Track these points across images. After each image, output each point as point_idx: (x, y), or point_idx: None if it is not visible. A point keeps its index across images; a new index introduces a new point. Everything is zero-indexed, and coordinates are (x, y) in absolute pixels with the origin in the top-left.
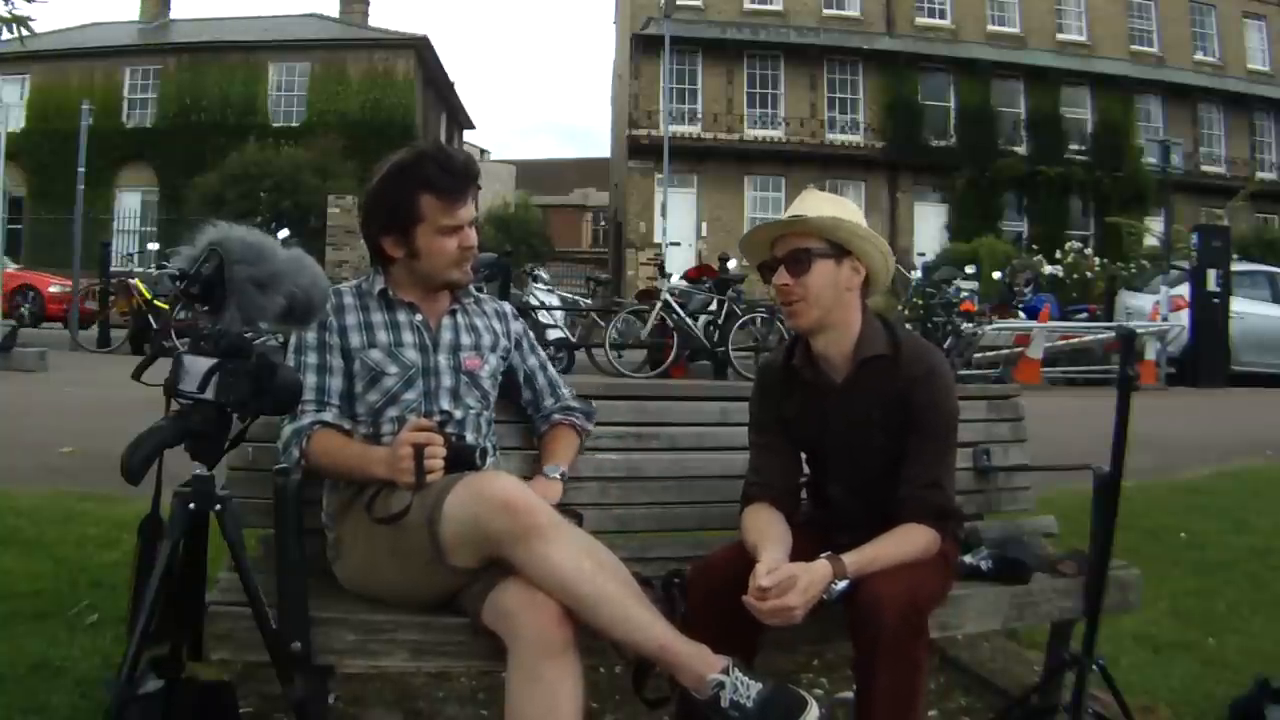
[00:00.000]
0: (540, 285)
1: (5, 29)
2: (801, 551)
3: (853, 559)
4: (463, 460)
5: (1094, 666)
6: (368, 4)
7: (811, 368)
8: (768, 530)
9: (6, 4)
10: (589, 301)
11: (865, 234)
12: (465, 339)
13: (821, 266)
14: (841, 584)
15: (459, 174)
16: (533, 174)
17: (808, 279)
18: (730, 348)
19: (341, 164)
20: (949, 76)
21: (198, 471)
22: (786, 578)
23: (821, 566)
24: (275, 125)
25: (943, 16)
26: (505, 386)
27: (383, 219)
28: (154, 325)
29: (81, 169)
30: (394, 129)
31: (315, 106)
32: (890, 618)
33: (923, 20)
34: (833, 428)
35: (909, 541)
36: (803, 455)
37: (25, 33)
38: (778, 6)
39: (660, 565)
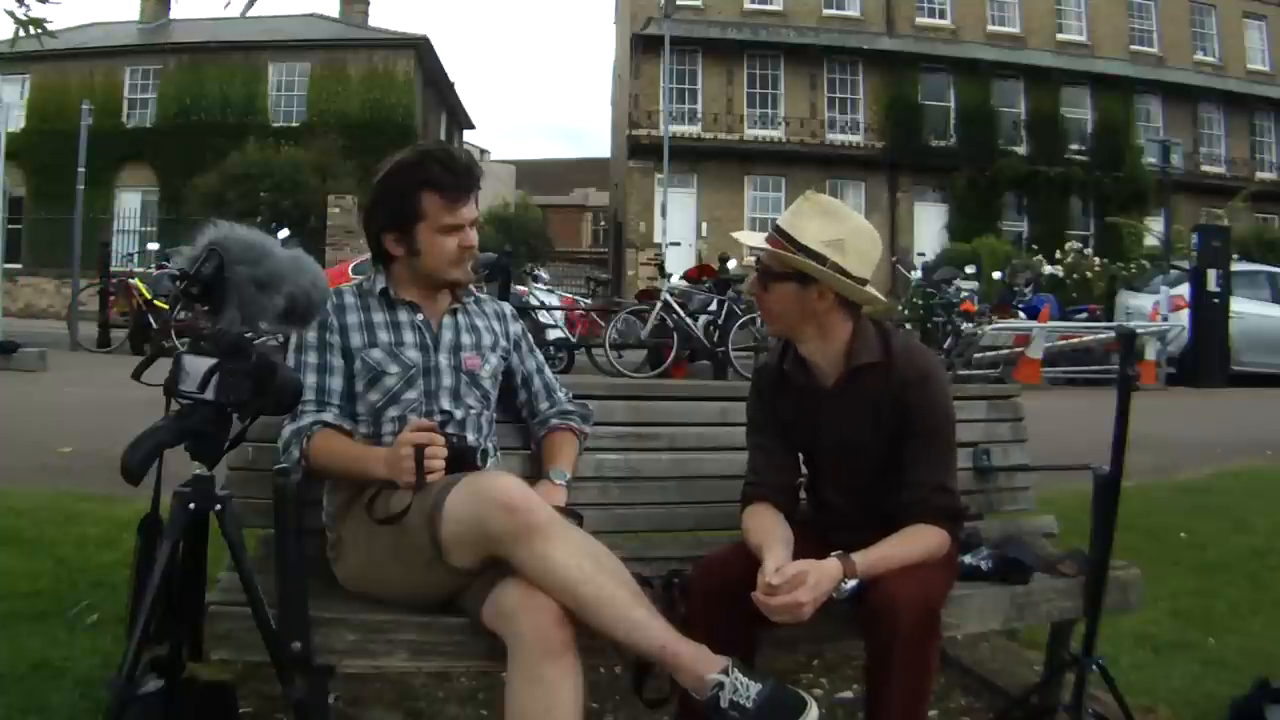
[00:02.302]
0: (540, 285)
1: (22, 30)
2: (802, 552)
3: (862, 558)
4: (463, 461)
5: (1094, 666)
6: (368, 4)
7: (802, 372)
8: (771, 530)
9: (21, 5)
10: (589, 301)
11: (822, 271)
12: (466, 339)
13: (779, 288)
14: (851, 583)
15: (461, 173)
16: (533, 174)
17: (767, 296)
18: (730, 348)
19: (341, 164)
20: (949, 76)
21: (198, 471)
22: (796, 574)
23: (832, 564)
24: (275, 125)
25: (943, 16)
26: (501, 389)
27: (385, 216)
28: (154, 325)
29: (81, 169)
30: (394, 129)
31: (315, 106)
32: (906, 619)
33: (923, 20)
34: (825, 431)
35: (919, 542)
36: (800, 456)
37: (41, 32)
38: (778, 6)
39: (660, 565)
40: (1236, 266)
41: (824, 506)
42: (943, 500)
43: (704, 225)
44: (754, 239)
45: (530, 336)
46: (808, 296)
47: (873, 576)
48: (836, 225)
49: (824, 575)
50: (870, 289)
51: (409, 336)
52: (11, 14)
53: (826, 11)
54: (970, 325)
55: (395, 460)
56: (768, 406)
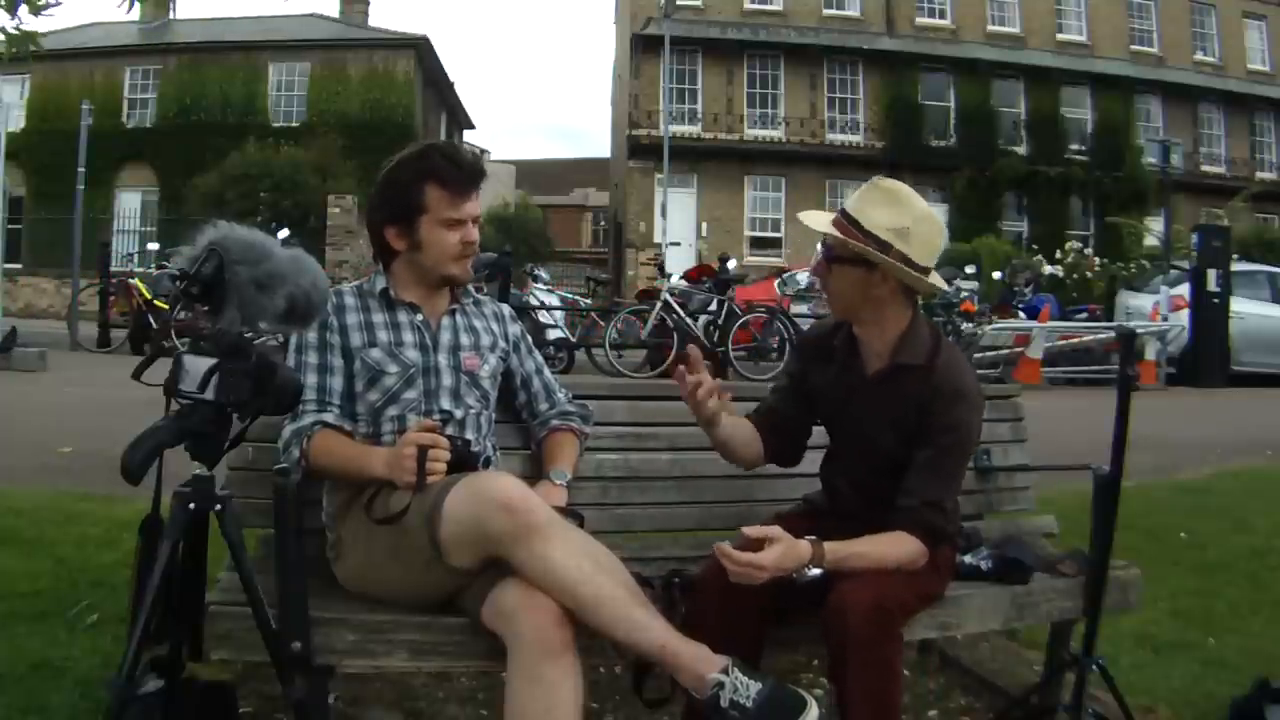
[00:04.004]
0: (540, 285)
1: (14, 46)
2: (798, 534)
3: (834, 548)
4: (465, 467)
5: (1094, 666)
6: (368, 4)
7: (849, 351)
8: (737, 423)
9: (13, 17)
10: (589, 301)
11: (884, 259)
12: (465, 339)
13: (842, 271)
14: (814, 571)
15: (466, 168)
16: (533, 174)
17: (831, 278)
18: (730, 348)
19: (341, 164)
20: (949, 76)
21: (198, 471)
22: (772, 534)
23: (803, 545)
24: (275, 125)
25: (943, 16)
26: (501, 390)
27: (388, 209)
28: (154, 325)
29: (81, 169)
30: (394, 129)
31: (315, 106)
32: (855, 622)
33: (923, 20)
34: (852, 414)
35: (896, 548)
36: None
37: (33, 47)
38: (778, 6)
39: (660, 565)
40: (1236, 266)
41: (835, 495)
42: (930, 517)
43: (704, 225)
44: (820, 221)
45: (529, 338)
46: (870, 281)
47: (838, 573)
48: (902, 213)
49: (792, 550)
50: (934, 278)
51: (408, 336)
52: (2, 29)
53: (826, 11)
54: (970, 325)
55: (397, 460)
56: (800, 364)
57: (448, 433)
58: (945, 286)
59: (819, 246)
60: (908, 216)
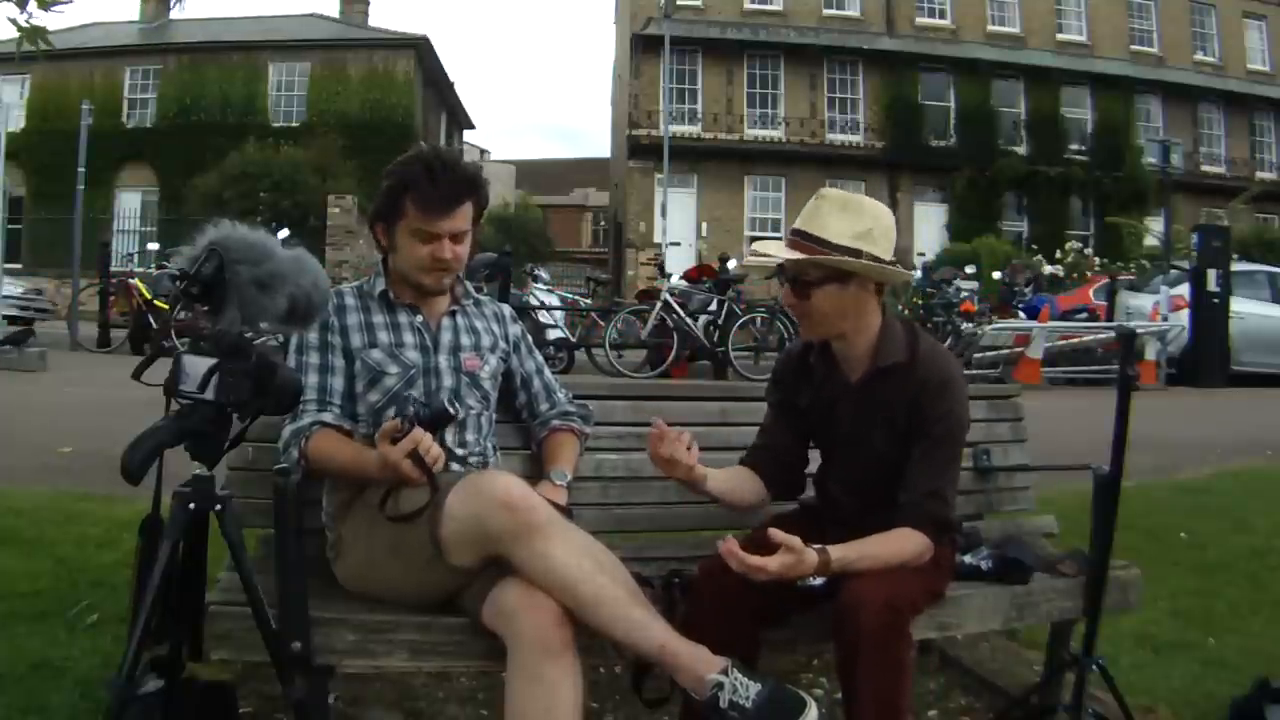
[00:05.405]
0: (540, 285)
1: (26, 41)
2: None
3: (839, 552)
4: (440, 421)
5: (1094, 666)
6: (368, 4)
7: (827, 365)
8: (730, 474)
9: (23, 11)
10: (589, 301)
11: (863, 264)
12: (465, 340)
13: (822, 292)
14: (817, 580)
15: (443, 186)
16: (533, 174)
17: (812, 303)
18: (730, 348)
19: (341, 164)
20: (949, 76)
21: (198, 471)
22: (791, 543)
23: (811, 556)
24: (275, 125)
25: (943, 16)
26: (501, 390)
27: (376, 205)
28: (154, 325)
29: (81, 169)
30: (394, 129)
31: (315, 106)
32: (868, 620)
33: (923, 20)
34: (840, 425)
35: (901, 545)
36: (810, 446)
37: (42, 44)
38: (778, 6)
39: (660, 565)
40: (1236, 266)
41: (828, 500)
42: (934, 508)
43: (704, 225)
44: (778, 249)
45: (530, 338)
46: (848, 293)
47: (846, 574)
48: (860, 217)
49: (800, 562)
50: (899, 267)
51: (409, 338)
52: (14, 21)
53: (826, 11)
54: (970, 325)
55: (396, 472)
56: (783, 394)
57: (408, 413)
58: (907, 273)
59: (781, 276)
60: (867, 219)
